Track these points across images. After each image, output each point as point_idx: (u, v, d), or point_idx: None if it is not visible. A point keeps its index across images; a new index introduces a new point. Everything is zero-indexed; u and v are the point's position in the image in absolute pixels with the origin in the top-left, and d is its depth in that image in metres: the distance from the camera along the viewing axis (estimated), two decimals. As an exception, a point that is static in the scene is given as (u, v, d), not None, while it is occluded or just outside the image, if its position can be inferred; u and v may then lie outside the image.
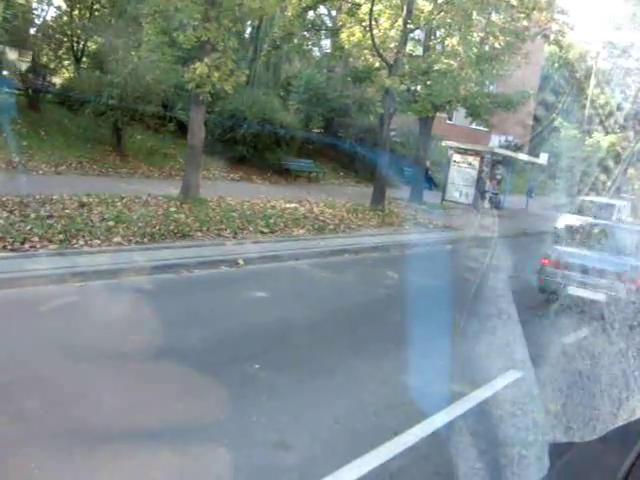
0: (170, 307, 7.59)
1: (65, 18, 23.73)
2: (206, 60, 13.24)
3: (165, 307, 7.51)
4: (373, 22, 18.78)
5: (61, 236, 9.33)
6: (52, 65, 23.17)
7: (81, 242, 9.41)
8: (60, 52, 23.64)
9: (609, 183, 22.22)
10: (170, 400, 5.15)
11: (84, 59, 24.56)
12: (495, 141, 37.27)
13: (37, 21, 23.43)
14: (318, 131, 29.70)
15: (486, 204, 24.81)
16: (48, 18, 23.20)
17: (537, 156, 31.27)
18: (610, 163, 25.51)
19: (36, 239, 9.01)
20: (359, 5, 20.03)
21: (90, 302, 7.43)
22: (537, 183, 32.90)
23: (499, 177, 26.58)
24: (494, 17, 22.08)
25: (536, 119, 39.76)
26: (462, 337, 7.23)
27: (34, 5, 23.28)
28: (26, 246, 8.73)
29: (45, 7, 23.12)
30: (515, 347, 6.24)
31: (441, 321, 7.17)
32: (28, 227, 9.39)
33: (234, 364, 5.96)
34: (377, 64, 20.69)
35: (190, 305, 7.88)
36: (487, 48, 21.23)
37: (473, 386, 6.05)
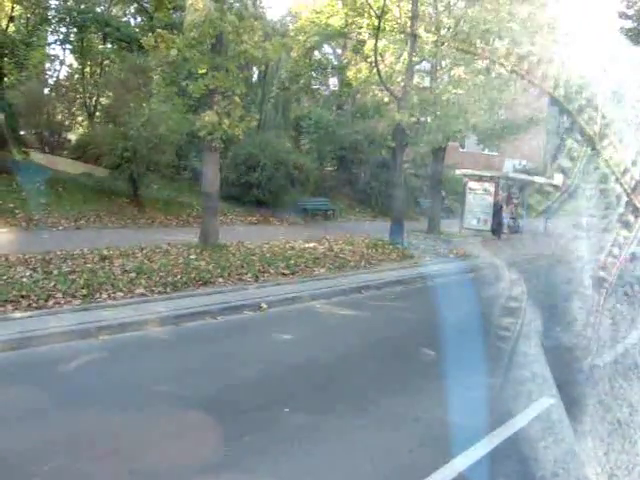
0: (197, 354, 7.56)
1: (77, 76, 24.36)
2: (216, 108, 13.42)
3: (192, 355, 7.49)
4: (378, 57, 19.00)
5: (84, 291, 9.36)
6: (66, 122, 23.68)
7: (104, 295, 9.44)
8: (73, 109, 24.22)
9: (625, 198, 21.96)
10: (202, 446, 5.07)
11: (97, 114, 25.07)
12: (509, 165, 37.26)
13: (50, 81, 24.09)
14: (332, 169, 29.91)
15: (505, 229, 24.70)
16: (61, 77, 23.89)
17: (552, 177, 31.12)
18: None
19: (60, 295, 9.05)
20: (363, 42, 20.30)
21: (116, 356, 7.40)
22: (554, 205, 32.68)
23: (516, 201, 26.48)
24: (497, 44, 22.21)
25: (548, 140, 39.71)
26: (494, 370, 7.10)
27: (47, 65, 23.96)
28: (50, 303, 8.77)
29: (57, 67, 23.82)
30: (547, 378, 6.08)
31: (470, 353, 7.05)
32: (51, 284, 9.46)
33: (264, 409, 5.89)
34: (386, 98, 20.89)
35: (216, 351, 7.84)
36: (493, 75, 21.34)
37: (507, 417, 5.91)
